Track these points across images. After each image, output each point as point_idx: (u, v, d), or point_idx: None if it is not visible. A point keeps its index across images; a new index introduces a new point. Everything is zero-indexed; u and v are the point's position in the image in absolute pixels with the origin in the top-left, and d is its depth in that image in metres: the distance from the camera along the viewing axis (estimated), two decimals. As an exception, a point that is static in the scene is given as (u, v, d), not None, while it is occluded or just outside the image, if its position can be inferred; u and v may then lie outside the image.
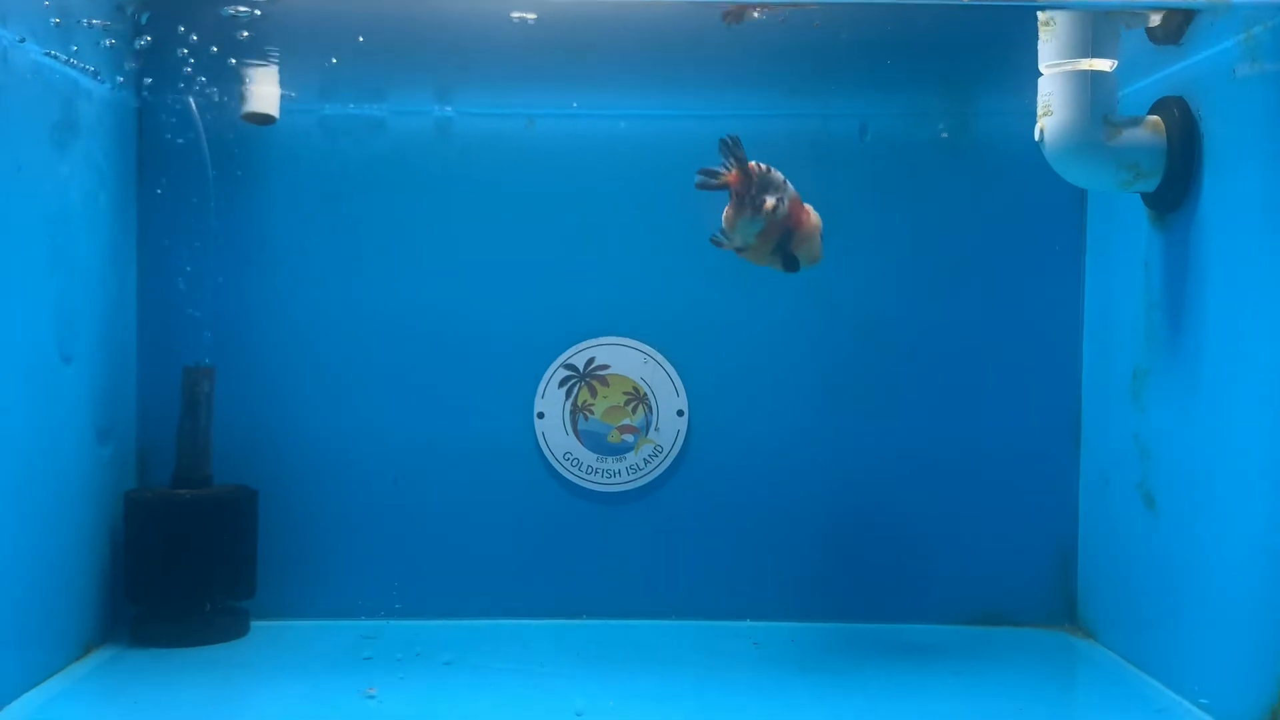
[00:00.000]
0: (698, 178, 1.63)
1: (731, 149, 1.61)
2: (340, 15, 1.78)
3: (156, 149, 2.03)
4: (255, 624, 2.00)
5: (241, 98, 1.94)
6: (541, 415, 2.10)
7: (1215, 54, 1.62)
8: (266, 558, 2.01)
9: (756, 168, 1.62)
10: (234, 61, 1.87)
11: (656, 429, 2.11)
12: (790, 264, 1.67)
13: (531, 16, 1.67)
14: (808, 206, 1.67)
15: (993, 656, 1.93)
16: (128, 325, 2.03)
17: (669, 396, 2.10)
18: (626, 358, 2.11)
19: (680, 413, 2.10)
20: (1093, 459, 2.04)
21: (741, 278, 1.98)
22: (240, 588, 1.97)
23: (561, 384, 2.10)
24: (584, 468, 2.10)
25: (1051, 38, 1.65)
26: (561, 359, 2.10)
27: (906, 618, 2.08)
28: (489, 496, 2.09)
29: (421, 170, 2.08)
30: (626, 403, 2.11)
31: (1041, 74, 1.67)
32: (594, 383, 2.11)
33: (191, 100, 1.96)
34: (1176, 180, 1.68)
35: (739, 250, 1.68)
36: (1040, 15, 1.65)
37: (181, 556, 1.90)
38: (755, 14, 1.69)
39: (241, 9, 1.68)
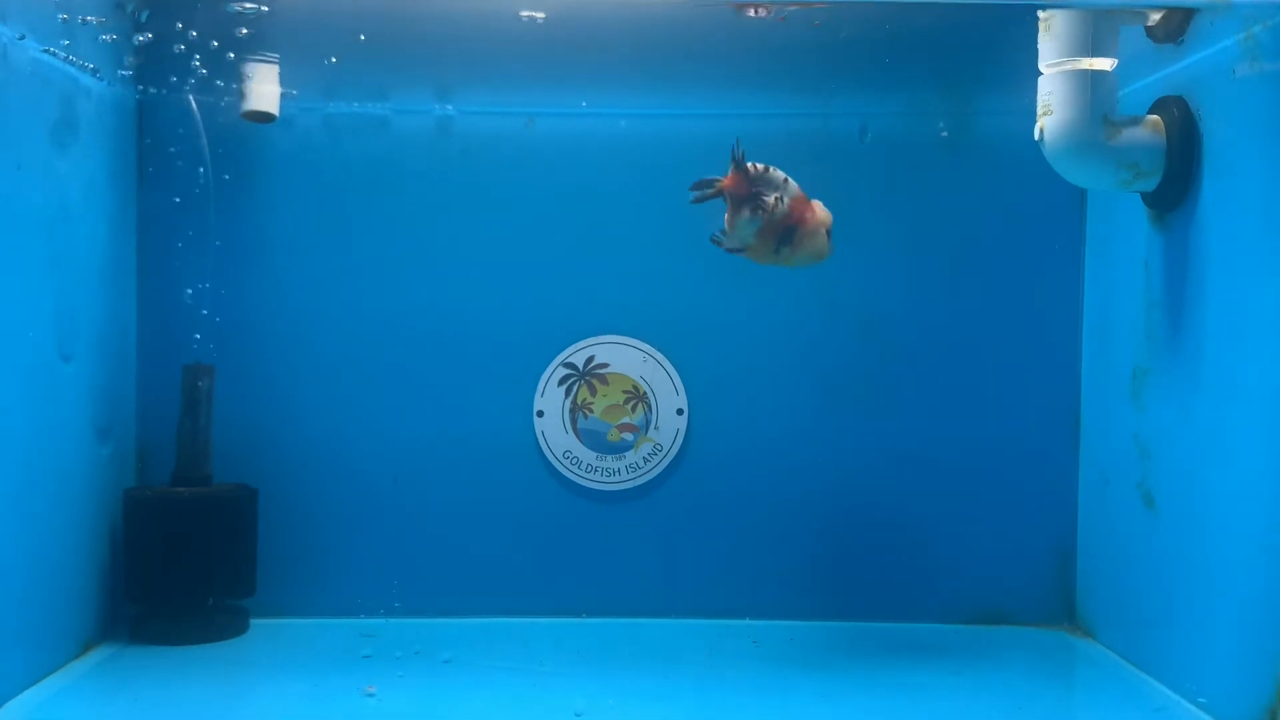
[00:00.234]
0: (692, 194, 1.65)
1: (731, 150, 1.63)
2: (341, 13, 1.78)
3: (156, 147, 2.03)
4: (255, 622, 2.00)
5: (241, 96, 1.94)
6: (541, 414, 2.10)
7: (1215, 53, 1.62)
8: (266, 556, 2.01)
9: (753, 167, 1.63)
10: (234, 59, 1.87)
11: (656, 428, 2.11)
12: (792, 262, 1.69)
13: (540, 15, 1.67)
14: (815, 203, 1.67)
15: (991, 655, 1.93)
16: (127, 324, 2.03)
17: (668, 395, 2.11)
18: (626, 356, 2.11)
19: (680, 411, 2.11)
20: (1092, 458, 2.04)
21: (741, 277, 1.98)
22: (240, 586, 1.97)
23: (561, 382, 2.11)
24: (583, 466, 2.10)
25: (1051, 37, 1.65)
26: (561, 357, 2.10)
27: (905, 617, 2.08)
28: (488, 495, 2.09)
29: (421, 169, 2.08)
30: (626, 401, 2.11)
31: (1041, 73, 1.67)
32: (593, 381, 2.11)
33: (191, 98, 1.96)
34: (1176, 180, 1.68)
35: (739, 250, 1.68)
36: (1040, 14, 1.65)
37: (181, 555, 1.90)
38: (760, 13, 1.70)
39: (248, 5, 1.68)
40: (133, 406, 2.05)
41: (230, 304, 2.05)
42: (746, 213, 1.63)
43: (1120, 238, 1.93)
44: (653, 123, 2.08)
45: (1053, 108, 1.66)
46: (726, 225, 1.66)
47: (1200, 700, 1.63)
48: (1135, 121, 1.69)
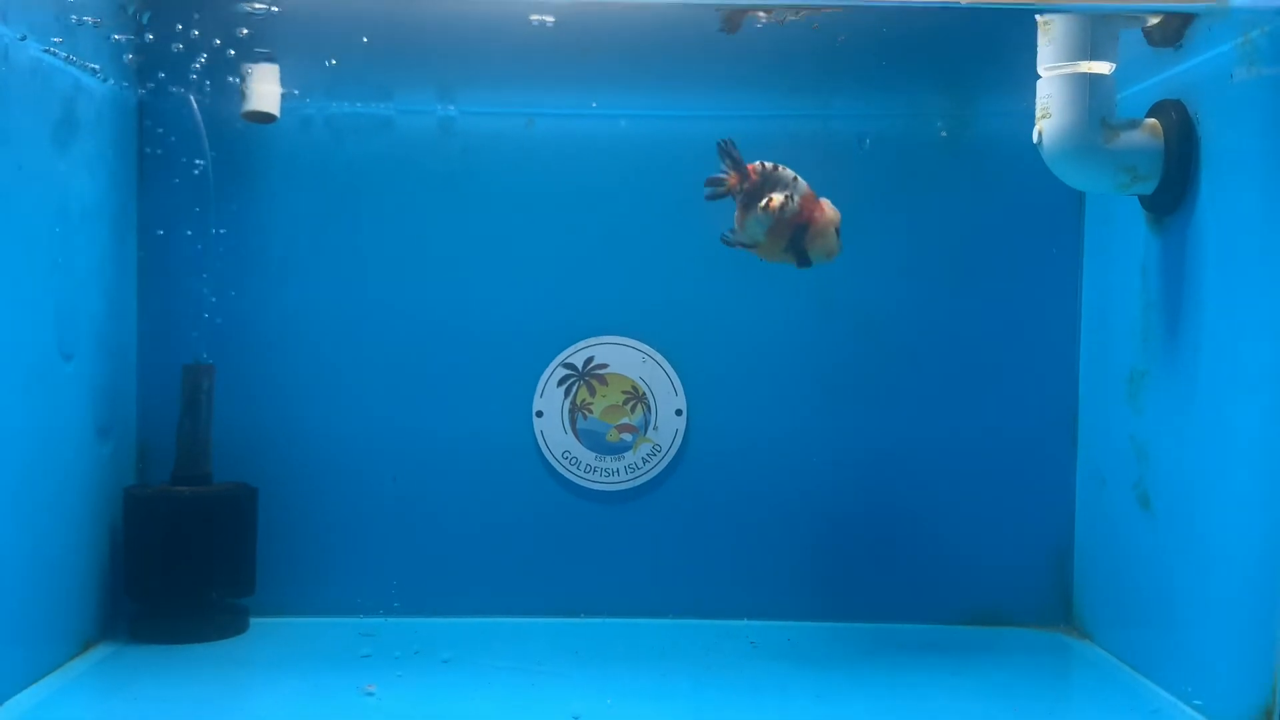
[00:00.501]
0: (706, 190, 1.65)
1: (726, 150, 1.64)
2: (342, 14, 1.78)
3: (157, 147, 2.03)
4: (254, 621, 2.00)
5: (242, 96, 1.94)
6: (540, 414, 2.11)
7: (1213, 58, 1.63)
8: (266, 555, 2.01)
9: (760, 166, 1.64)
10: (235, 59, 1.87)
11: (655, 428, 2.11)
12: (803, 260, 1.69)
13: (550, 19, 1.67)
14: (823, 201, 1.68)
15: (988, 656, 1.93)
16: (128, 323, 2.03)
17: (667, 396, 2.11)
18: (625, 357, 2.11)
19: (679, 412, 2.11)
20: (1089, 460, 2.05)
21: (740, 277, 1.99)
22: (240, 585, 1.97)
23: (560, 383, 2.11)
24: (582, 467, 2.11)
25: (1050, 41, 1.65)
26: (560, 358, 2.11)
27: (903, 617, 2.09)
28: (487, 495, 2.09)
29: (422, 169, 2.08)
30: (625, 402, 2.11)
31: (1040, 76, 1.68)
32: (593, 382, 2.11)
33: (192, 98, 1.97)
34: (1174, 183, 1.69)
35: (750, 248, 1.69)
36: (1039, 17, 1.66)
37: (181, 553, 1.90)
38: (761, 17, 1.70)
39: (258, 5, 1.68)
40: (133, 405, 2.05)
41: (230, 303, 2.05)
42: (756, 211, 1.64)
43: (1118, 240, 1.93)
44: (653, 124, 2.08)
45: (1051, 111, 1.66)
46: (736, 224, 1.67)
47: (1196, 702, 1.63)
48: (1133, 125, 1.69)
